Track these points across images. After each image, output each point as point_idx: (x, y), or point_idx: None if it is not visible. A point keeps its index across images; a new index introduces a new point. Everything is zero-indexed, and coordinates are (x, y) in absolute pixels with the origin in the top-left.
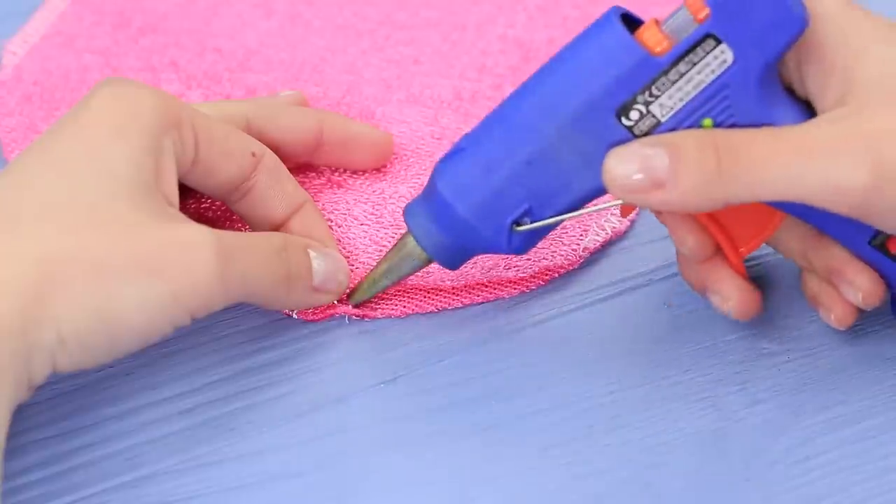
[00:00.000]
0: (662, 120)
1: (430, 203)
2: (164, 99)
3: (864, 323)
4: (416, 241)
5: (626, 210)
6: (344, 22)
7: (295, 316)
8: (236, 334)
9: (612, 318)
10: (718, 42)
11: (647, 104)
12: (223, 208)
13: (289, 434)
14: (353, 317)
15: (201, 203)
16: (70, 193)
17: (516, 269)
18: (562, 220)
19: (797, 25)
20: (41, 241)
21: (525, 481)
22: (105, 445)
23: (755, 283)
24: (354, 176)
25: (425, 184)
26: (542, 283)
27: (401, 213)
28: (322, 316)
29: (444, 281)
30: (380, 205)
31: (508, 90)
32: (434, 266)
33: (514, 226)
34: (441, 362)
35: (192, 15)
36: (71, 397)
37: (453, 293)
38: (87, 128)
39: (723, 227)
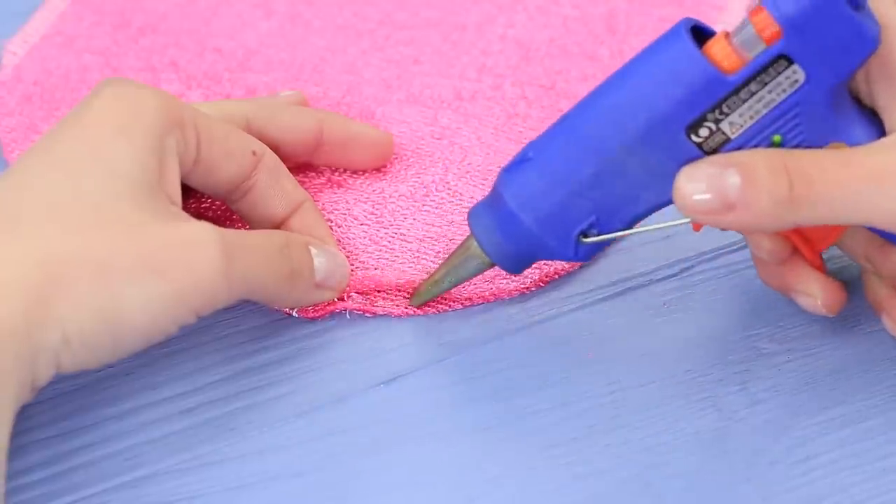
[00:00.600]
0: (732, 137)
1: (495, 212)
2: (166, 99)
3: (865, 323)
4: (480, 247)
5: (697, 226)
6: (344, 22)
7: (295, 314)
8: (237, 334)
9: (612, 318)
10: (790, 63)
11: (717, 122)
12: (223, 208)
13: (289, 434)
14: (354, 311)
15: (201, 203)
16: (73, 193)
17: (519, 277)
18: (631, 234)
19: (869, 45)
20: (44, 242)
21: (525, 481)
22: (105, 445)
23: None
24: (354, 175)
25: (425, 183)
26: (542, 283)
27: (400, 212)
28: (322, 313)
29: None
30: (380, 204)
31: (508, 90)
32: (435, 268)
33: (581, 237)
34: (441, 362)
35: (192, 15)
36: (71, 397)
37: (454, 294)
38: (90, 128)
39: (797, 229)
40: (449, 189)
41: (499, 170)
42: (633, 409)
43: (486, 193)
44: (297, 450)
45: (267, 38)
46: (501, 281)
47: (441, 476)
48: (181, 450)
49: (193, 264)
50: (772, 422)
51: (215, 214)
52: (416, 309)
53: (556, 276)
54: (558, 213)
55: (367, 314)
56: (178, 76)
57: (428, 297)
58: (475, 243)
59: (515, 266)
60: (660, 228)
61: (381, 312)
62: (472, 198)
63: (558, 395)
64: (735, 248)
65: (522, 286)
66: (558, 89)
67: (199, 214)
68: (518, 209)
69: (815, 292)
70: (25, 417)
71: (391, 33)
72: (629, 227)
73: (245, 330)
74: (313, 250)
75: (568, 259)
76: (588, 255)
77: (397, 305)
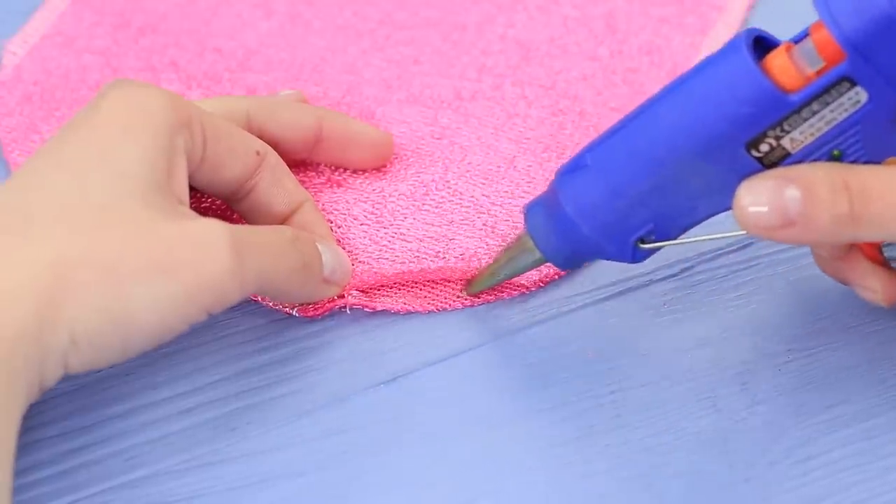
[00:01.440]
0: (792, 152)
1: (551, 212)
2: (174, 98)
3: (865, 323)
4: (536, 246)
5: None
6: (344, 22)
7: (295, 314)
8: (236, 334)
9: (612, 318)
10: (853, 84)
11: (777, 138)
12: (223, 207)
13: (289, 434)
14: (354, 307)
15: (201, 203)
16: (82, 195)
17: (520, 277)
18: (689, 243)
19: None
20: (53, 244)
21: (525, 481)
22: (106, 445)
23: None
24: (354, 175)
25: (425, 182)
26: (542, 283)
27: (400, 212)
28: (322, 311)
29: (446, 283)
30: (380, 204)
31: (508, 90)
32: (437, 268)
33: (639, 242)
34: (441, 362)
35: (192, 15)
36: (72, 397)
37: (454, 293)
38: (98, 128)
39: None
40: (449, 188)
41: (499, 169)
42: (633, 409)
43: (486, 193)
44: (298, 450)
45: (267, 38)
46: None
47: (441, 476)
48: (181, 450)
49: (203, 263)
50: (772, 422)
51: (215, 215)
52: (416, 309)
53: (557, 276)
54: (617, 222)
55: (367, 309)
56: (178, 76)
57: (484, 287)
58: (530, 239)
59: (568, 264)
60: (716, 238)
61: (381, 308)
62: (472, 197)
63: (558, 395)
64: (735, 248)
65: (522, 286)
66: (558, 89)
67: (201, 214)
68: (575, 215)
69: (875, 286)
70: (26, 417)
71: (391, 33)
72: (685, 231)
73: (245, 330)
74: (319, 246)
75: (624, 261)
76: (644, 258)
77: (396, 302)
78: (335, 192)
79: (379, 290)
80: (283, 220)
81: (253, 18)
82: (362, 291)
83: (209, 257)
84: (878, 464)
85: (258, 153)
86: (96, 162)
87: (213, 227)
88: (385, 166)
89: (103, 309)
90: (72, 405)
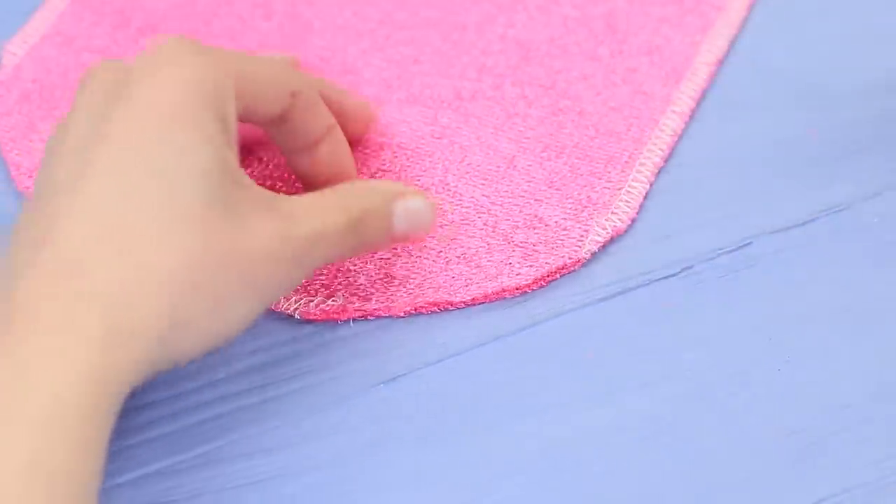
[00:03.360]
0: None
1: None
2: (216, 63)
3: (867, 323)
4: None
5: None
6: (344, 22)
7: (297, 316)
8: None
9: (612, 318)
10: None
11: None
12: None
13: (289, 434)
14: (355, 318)
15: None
16: (170, 205)
17: (520, 275)
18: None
19: None
20: (167, 263)
21: (525, 481)
22: None
23: None
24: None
25: (424, 183)
26: (542, 283)
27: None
28: (324, 316)
29: (446, 283)
30: None
31: (508, 90)
32: (436, 268)
33: None
34: (441, 362)
35: (192, 15)
36: None
37: (454, 294)
38: (158, 125)
39: None
40: (449, 189)
41: (498, 169)
42: (632, 409)
43: (486, 193)
44: (298, 450)
45: (267, 38)
46: (502, 281)
47: (441, 476)
48: (181, 449)
49: (276, 276)
50: (772, 422)
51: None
52: (416, 309)
53: (557, 276)
54: None
55: (369, 318)
56: None
57: None
58: None
59: None
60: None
61: (383, 315)
62: (471, 198)
63: (558, 395)
64: (735, 248)
65: (523, 286)
66: (558, 89)
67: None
68: None
69: None
70: None
71: (391, 33)
72: None
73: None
74: (398, 207)
75: None
76: None
77: (397, 307)
78: None
79: (380, 290)
80: (313, 147)
81: (253, 18)
82: (362, 298)
83: (280, 271)
84: (880, 464)
85: (293, 94)
86: (176, 165)
87: (273, 240)
88: (385, 165)
89: (209, 334)
90: None
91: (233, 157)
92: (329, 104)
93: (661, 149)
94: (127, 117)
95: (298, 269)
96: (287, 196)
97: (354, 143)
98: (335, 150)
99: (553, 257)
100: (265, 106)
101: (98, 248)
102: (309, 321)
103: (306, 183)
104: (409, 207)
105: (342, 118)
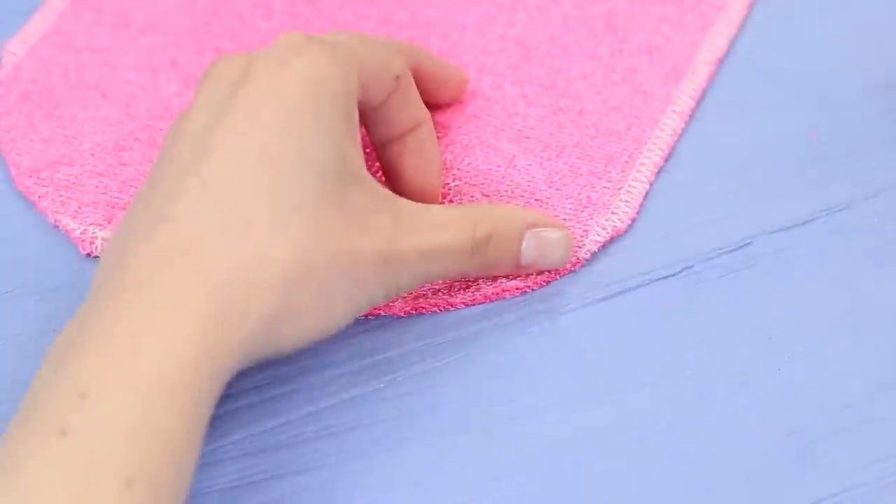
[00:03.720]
0: None
1: None
2: (345, 61)
3: (866, 324)
4: None
5: None
6: (344, 22)
7: None
8: None
9: (612, 318)
10: None
11: None
12: None
13: (289, 434)
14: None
15: None
16: (286, 193)
17: (520, 277)
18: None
19: None
20: (278, 254)
21: (525, 481)
22: None
23: None
24: None
25: None
26: (542, 283)
27: None
28: None
29: (446, 283)
30: None
31: (508, 90)
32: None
33: None
34: (441, 362)
35: (192, 15)
36: None
37: (454, 294)
38: (292, 114)
39: None
40: (449, 189)
41: (498, 169)
42: (632, 409)
43: (486, 193)
44: (298, 449)
45: (267, 38)
46: (502, 281)
47: (441, 476)
48: None
49: (378, 279)
50: (772, 422)
51: None
52: (416, 309)
53: (557, 276)
54: None
55: (371, 317)
56: (178, 76)
57: None
58: None
59: None
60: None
61: (384, 314)
62: (471, 198)
63: (558, 395)
64: (735, 248)
65: (522, 286)
66: (558, 88)
67: None
68: None
69: None
70: None
71: (391, 33)
72: None
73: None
74: (529, 235)
75: None
76: None
77: (397, 306)
78: None
79: None
80: (401, 137)
81: (253, 18)
82: None
83: (390, 275)
84: (881, 464)
85: (398, 78)
86: (294, 157)
87: (391, 240)
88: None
89: (309, 324)
90: None
91: (355, 151)
92: (426, 72)
93: (661, 148)
94: (249, 105)
95: (409, 277)
96: (416, 204)
97: (446, 108)
98: (425, 141)
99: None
100: (376, 93)
101: (214, 230)
102: None
103: (389, 175)
104: (540, 237)
105: (437, 84)
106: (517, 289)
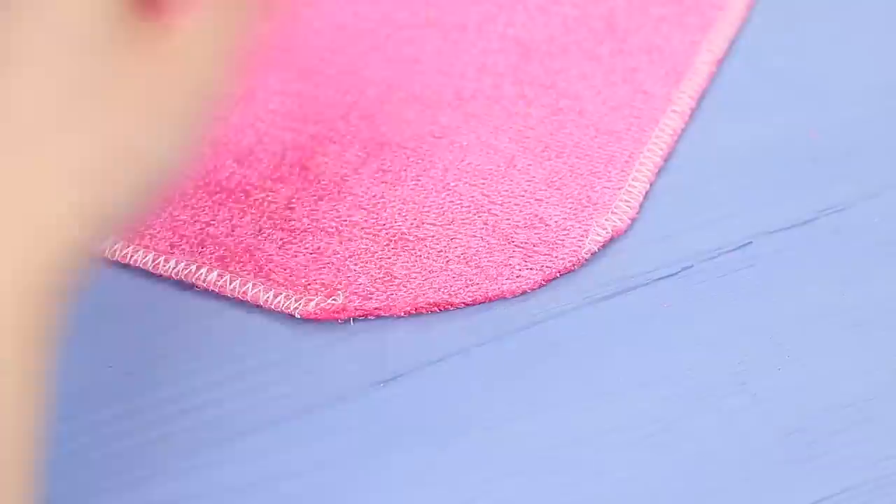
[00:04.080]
0: None
1: None
2: None
3: (866, 324)
4: None
5: None
6: (344, 22)
7: (297, 316)
8: (237, 334)
9: (612, 318)
10: None
11: None
12: None
13: (289, 434)
14: (355, 318)
15: None
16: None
17: (520, 277)
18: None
19: None
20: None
21: (525, 481)
22: (105, 446)
23: None
24: (354, 177)
25: (424, 183)
26: (542, 283)
27: (400, 214)
28: (325, 316)
29: (446, 283)
30: (379, 206)
31: (508, 90)
32: (436, 268)
33: None
34: (441, 362)
35: None
36: (71, 397)
37: (454, 294)
38: None
39: None
40: (449, 189)
41: (498, 169)
42: (632, 409)
43: (486, 193)
44: (297, 450)
45: (266, 38)
46: (502, 281)
47: (441, 476)
48: (181, 450)
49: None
50: (772, 422)
51: None
52: (416, 309)
53: (557, 276)
54: None
55: (370, 317)
56: None
57: None
58: None
59: None
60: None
61: (384, 314)
62: (471, 197)
63: (557, 395)
64: (735, 247)
65: (523, 286)
66: (558, 88)
67: None
68: None
69: None
70: None
71: (391, 33)
72: None
73: (245, 330)
74: None
75: None
76: None
77: (397, 307)
78: (334, 198)
79: (380, 290)
80: None
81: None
82: (362, 297)
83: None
84: (881, 464)
85: None
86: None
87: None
88: (384, 169)
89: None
90: (72, 405)
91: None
92: None
93: (661, 148)
94: None
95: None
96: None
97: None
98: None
99: (553, 257)
100: None
101: None
102: (309, 321)
103: None
104: None
105: None
106: (517, 289)
